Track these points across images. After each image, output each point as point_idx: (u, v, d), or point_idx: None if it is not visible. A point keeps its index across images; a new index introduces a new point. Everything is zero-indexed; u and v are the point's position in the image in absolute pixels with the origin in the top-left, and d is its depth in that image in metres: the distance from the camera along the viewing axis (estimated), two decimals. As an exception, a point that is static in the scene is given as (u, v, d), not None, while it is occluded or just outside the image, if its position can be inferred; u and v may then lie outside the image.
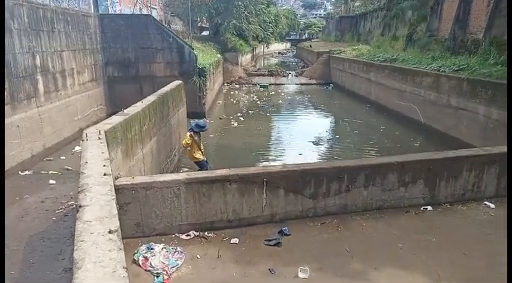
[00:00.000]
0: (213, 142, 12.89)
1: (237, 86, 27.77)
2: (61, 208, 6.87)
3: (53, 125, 11.40)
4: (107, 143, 5.09)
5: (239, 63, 31.86)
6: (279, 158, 11.20)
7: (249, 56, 38.72)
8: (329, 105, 20.66)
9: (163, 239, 5.57)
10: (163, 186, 5.50)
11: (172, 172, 9.30)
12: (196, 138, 8.09)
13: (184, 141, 8.05)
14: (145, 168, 6.86)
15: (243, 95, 23.80)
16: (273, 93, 24.83)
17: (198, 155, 8.19)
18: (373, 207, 6.37)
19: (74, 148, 12.04)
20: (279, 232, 5.67)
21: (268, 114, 18.15)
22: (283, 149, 12.32)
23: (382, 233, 5.71)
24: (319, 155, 11.72)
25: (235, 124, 15.53)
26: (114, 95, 16.01)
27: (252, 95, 23.40)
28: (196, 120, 8.64)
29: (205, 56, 19.92)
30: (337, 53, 28.01)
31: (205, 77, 16.67)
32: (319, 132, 14.86)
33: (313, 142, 13.03)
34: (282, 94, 24.60)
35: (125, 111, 6.31)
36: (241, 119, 16.71)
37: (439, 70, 13.61)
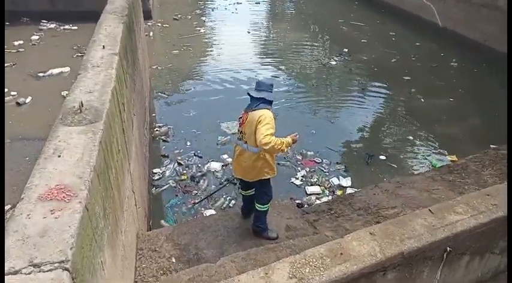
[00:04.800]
0: (181, 67, 8.63)
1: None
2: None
3: None
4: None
5: None
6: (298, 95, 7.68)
7: None
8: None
9: None
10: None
11: (150, 139, 5.44)
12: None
13: (268, 136, 2.98)
14: (136, 197, 3.14)
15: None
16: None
17: (273, 167, 3.37)
18: None
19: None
20: None
21: (236, 11, 13.50)
22: (295, 77, 8.73)
23: None
24: (345, 87, 8.42)
25: (202, 30, 11.02)
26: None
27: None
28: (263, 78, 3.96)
29: None
30: None
31: (147, -46, 11.17)
32: (317, 43, 11.20)
33: (324, 64, 9.44)
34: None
35: (84, 98, 2.21)
36: (203, 19, 12.13)
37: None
